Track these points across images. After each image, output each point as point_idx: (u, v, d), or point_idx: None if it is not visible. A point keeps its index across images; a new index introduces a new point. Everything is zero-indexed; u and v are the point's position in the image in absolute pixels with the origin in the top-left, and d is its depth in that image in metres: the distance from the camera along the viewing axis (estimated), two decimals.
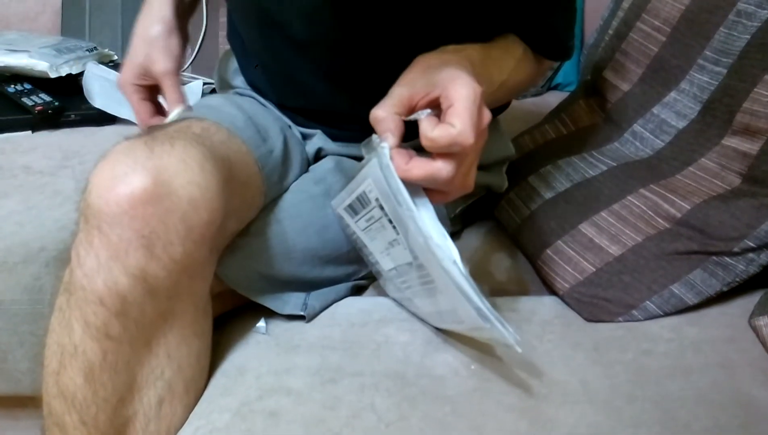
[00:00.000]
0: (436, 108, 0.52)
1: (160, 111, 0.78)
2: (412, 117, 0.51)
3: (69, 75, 1.16)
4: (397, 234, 0.56)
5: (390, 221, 0.55)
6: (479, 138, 0.51)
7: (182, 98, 0.74)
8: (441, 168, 0.50)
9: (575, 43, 0.73)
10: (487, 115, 0.52)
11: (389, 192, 0.51)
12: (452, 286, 0.52)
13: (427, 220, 0.51)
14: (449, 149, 0.49)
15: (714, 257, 0.68)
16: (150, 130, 0.57)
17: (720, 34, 0.76)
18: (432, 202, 0.53)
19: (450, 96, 0.50)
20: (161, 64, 0.73)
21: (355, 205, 0.59)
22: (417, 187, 0.53)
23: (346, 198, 0.60)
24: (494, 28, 0.69)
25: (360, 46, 0.68)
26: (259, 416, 0.55)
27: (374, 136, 0.53)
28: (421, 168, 0.50)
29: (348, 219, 0.62)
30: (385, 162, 0.50)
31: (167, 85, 0.74)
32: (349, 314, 0.69)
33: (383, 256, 0.62)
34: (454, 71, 0.52)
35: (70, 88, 1.15)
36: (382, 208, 0.55)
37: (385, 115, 0.51)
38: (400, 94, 0.52)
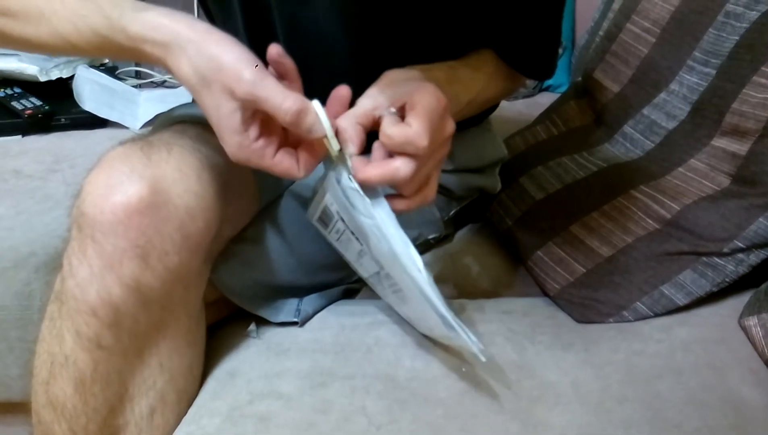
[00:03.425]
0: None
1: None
2: (376, 113, 0.51)
3: (59, 78, 1.16)
4: (362, 245, 0.56)
5: (353, 233, 0.55)
6: (440, 147, 0.52)
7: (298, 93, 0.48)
8: (399, 167, 0.49)
9: (556, 61, 0.73)
10: (450, 126, 0.52)
11: (347, 203, 0.51)
12: (418, 294, 0.52)
13: (389, 228, 0.51)
14: (403, 148, 0.49)
15: (704, 258, 0.68)
16: (146, 135, 0.56)
17: (709, 35, 0.76)
18: (393, 209, 0.53)
19: (413, 101, 0.50)
20: (245, 73, 0.46)
21: (324, 218, 0.59)
22: (378, 197, 0.52)
23: (315, 212, 0.60)
24: (473, 43, 0.69)
25: (359, 58, 0.67)
26: (249, 420, 0.55)
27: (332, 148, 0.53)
28: (380, 167, 0.50)
29: (322, 230, 0.62)
30: (345, 170, 0.50)
31: (267, 93, 0.46)
32: (340, 317, 0.69)
33: (358, 266, 0.62)
34: (421, 83, 0.52)
35: (60, 92, 1.15)
36: (343, 220, 0.55)
37: (346, 125, 0.51)
38: (363, 105, 0.52)
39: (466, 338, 0.52)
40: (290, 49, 0.65)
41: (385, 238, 0.51)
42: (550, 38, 0.71)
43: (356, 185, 0.50)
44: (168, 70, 0.50)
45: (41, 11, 0.52)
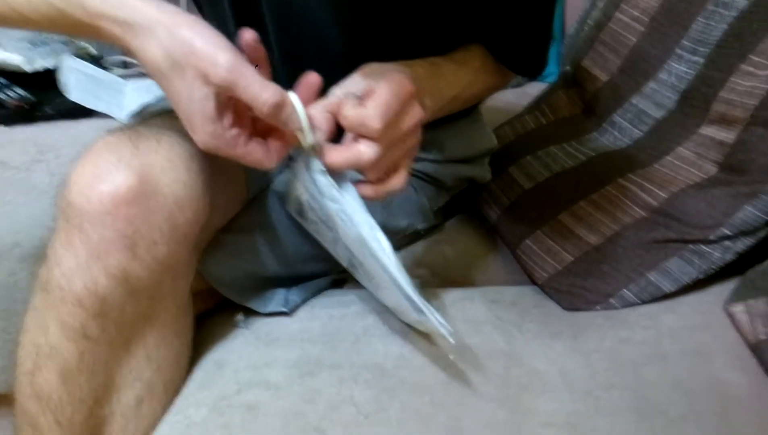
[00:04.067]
0: None
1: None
2: (340, 95, 0.51)
3: (44, 69, 1.15)
4: (332, 232, 0.56)
5: (323, 222, 0.55)
6: (409, 136, 0.52)
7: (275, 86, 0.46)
8: (363, 150, 0.50)
9: (547, 58, 0.72)
10: (416, 114, 0.52)
11: (315, 191, 0.52)
12: (387, 279, 0.52)
13: (356, 213, 0.52)
14: (358, 129, 0.49)
15: (690, 245, 0.69)
16: (134, 124, 0.56)
17: (698, 24, 0.76)
18: (361, 195, 0.53)
19: (375, 87, 0.50)
20: (220, 57, 0.44)
21: (299, 209, 0.59)
22: (346, 182, 0.53)
23: (291, 203, 0.60)
24: (464, 35, 0.68)
25: (351, 46, 0.66)
26: (237, 410, 0.55)
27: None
28: (345, 150, 0.50)
29: (302, 222, 0.62)
30: (312, 157, 0.50)
31: (246, 82, 0.45)
32: (328, 307, 0.68)
33: (336, 255, 0.62)
34: (391, 72, 0.52)
35: (45, 82, 1.13)
36: (313, 209, 0.55)
37: (315, 112, 0.51)
38: (335, 94, 0.52)
39: (434, 321, 0.52)
40: (281, 36, 0.65)
41: (353, 223, 0.51)
42: (541, 35, 0.70)
43: (324, 170, 0.50)
44: (127, 51, 0.47)
45: None
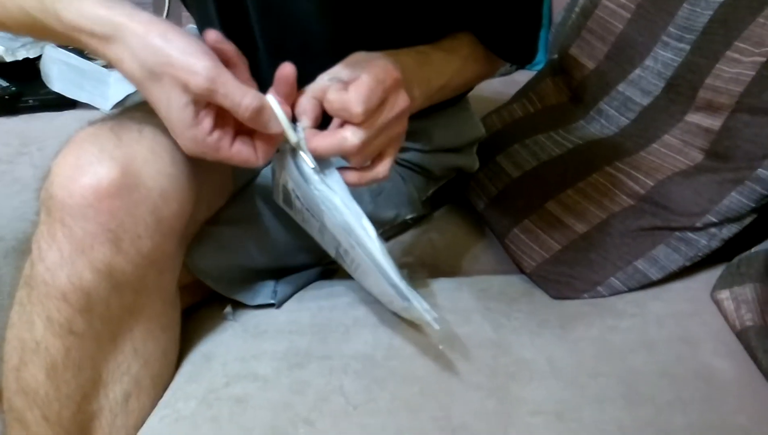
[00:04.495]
0: None
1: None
2: (327, 80, 0.52)
3: (26, 59, 1.13)
4: (317, 221, 0.56)
5: (308, 210, 0.55)
6: (394, 123, 0.52)
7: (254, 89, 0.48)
8: (347, 136, 0.50)
9: (537, 46, 0.72)
10: (402, 101, 0.52)
11: (300, 179, 0.52)
12: (372, 266, 0.53)
13: (340, 199, 0.52)
14: (340, 114, 0.49)
15: (677, 233, 0.69)
16: (116, 115, 0.55)
17: (683, 11, 0.76)
18: (345, 181, 0.53)
19: (360, 73, 0.50)
20: (198, 65, 0.44)
21: (285, 198, 0.59)
22: (330, 168, 0.53)
23: (278, 193, 0.60)
24: (452, 26, 0.68)
25: (335, 38, 0.66)
26: (225, 403, 0.54)
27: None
28: (329, 136, 0.50)
29: (289, 212, 0.62)
30: (296, 141, 0.50)
31: (225, 89, 0.45)
32: (317, 298, 0.68)
33: (324, 245, 0.62)
34: (377, 60, 0.52)
35: (27, 73, 1.12)
36: (299, 198, 0.55)
37: (301, 99, 0.51)
38: (321, 80, 0.52)
39: (418, 307, 0.52)
40: (264, 27, 0.64)
41: (337, 209, 0.51)
42: (530, 22, 0.70)
43: (309, 156, 0.50)
44: (108, 62, 0.47)
45: None
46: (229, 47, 0.49)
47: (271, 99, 0.47)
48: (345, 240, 0.54)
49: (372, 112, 0.49)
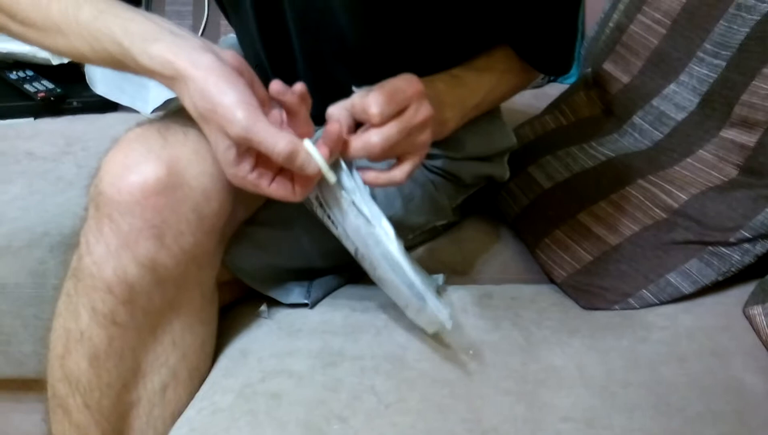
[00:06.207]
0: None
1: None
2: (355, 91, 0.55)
3: (71, 62, 1.17)
4: (337, 228, 0.58)
5: (329, 217, 0.57)
6: (416, 131, 0.54)
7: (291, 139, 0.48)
8: (371, 136, 0.53)
9: (573, 56, 0.73)
10: (423, 112, 0.55)
11: (323, 180, 0.53)
12: (388, 267, 0.55)
13: (361, 199, 0.54)
14: (360, 115, 0.53)
15: (710, 247, 0.69)
16: (163, 117, 0.57)
17: (720, 27, 0.76)
18: (362, 179, 0.56)
19: (385, 83, 0.54)
20: (237, 115, 0.46)
21: (316, 200, 0.60)
22: (353, 169, 0.56)
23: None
24: (488, 38, 0.69)
25: (370, 47, 0.68)
26: (261, 398, 0.56)
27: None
28: (357, 139, 0.53)
29: (315, 212, 0.63)
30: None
31: (259, 137, 0.47)
32: (350, 300, 0.70)
33: (346, 245, 0.63)
34: (403, 74, 0.55)
35: (72, 75, 1.15)
36: (321, 204, 0.57)
37: (336, 110, 0.54)
38: (356, 94, 0.55)
39: (433, 305, 0.54)
40: (302, 36, 0.66)
41: (358, 210, 0.54)
42: (567, 33, 0.71)
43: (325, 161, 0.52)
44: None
45: (58, 26, 0.52)
46: (290, 96, 0.51)
47: (308, 143, 0.49)
48: (361, 241, 0.56)
49: (391, 115, 0.53)
